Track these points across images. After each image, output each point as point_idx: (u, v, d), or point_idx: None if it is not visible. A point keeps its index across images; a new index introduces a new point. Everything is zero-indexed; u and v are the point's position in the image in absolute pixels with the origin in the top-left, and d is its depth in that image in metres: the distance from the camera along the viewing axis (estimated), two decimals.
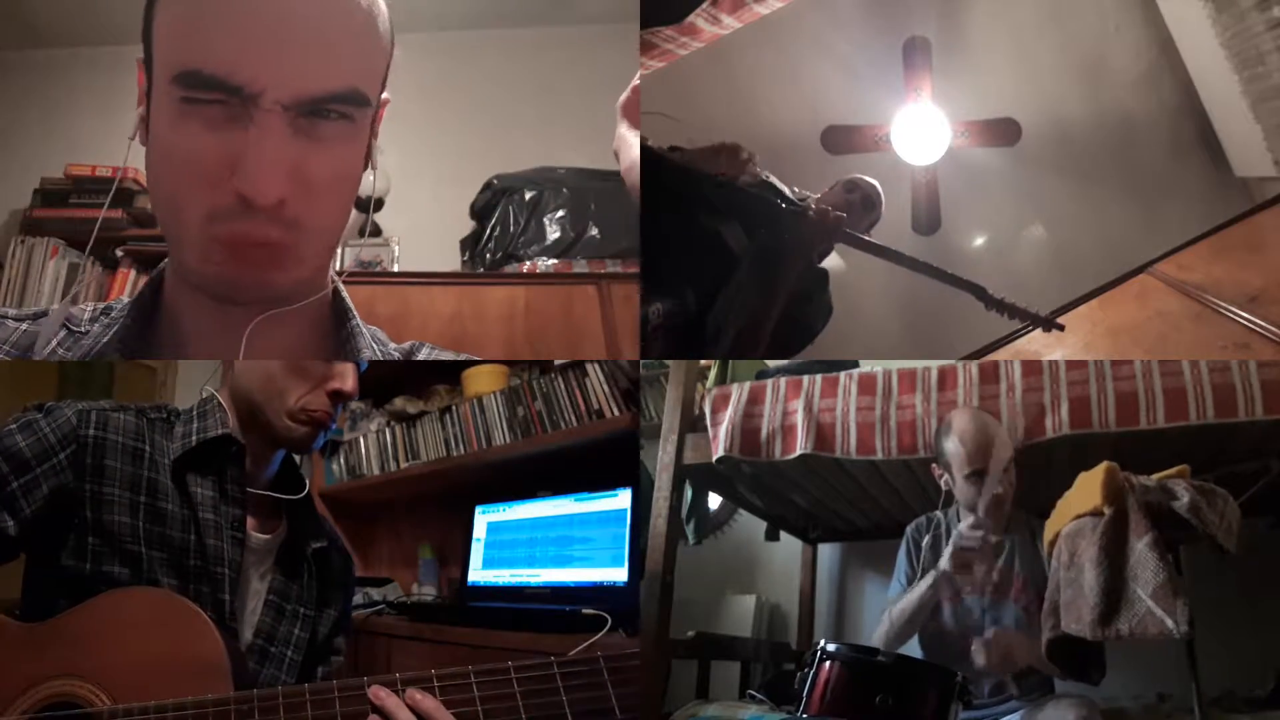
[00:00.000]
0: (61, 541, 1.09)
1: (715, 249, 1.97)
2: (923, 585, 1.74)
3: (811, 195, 2.18)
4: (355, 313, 1.11)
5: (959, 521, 1.84)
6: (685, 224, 1.96)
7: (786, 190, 2.13)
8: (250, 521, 1.20)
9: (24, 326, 1.05)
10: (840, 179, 2.25)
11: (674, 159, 2.04)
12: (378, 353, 1.17)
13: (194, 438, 1.16)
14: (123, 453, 1.13)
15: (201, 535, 1.14)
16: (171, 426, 1.19)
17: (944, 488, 1.80)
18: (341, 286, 1.10)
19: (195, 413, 1.20)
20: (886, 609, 1.83)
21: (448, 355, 1.27)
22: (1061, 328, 1.89)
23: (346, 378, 1.16)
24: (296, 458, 1.30)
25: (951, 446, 1.76)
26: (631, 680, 1.04)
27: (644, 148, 1.62)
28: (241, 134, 0.77)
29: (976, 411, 1.80)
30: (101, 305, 1.09)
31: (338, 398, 1.16)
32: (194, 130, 0.77)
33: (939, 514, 1.89)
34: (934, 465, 1.83)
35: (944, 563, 1.70)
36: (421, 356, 1.24)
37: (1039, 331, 1.98)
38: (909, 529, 1.92)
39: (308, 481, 1.31)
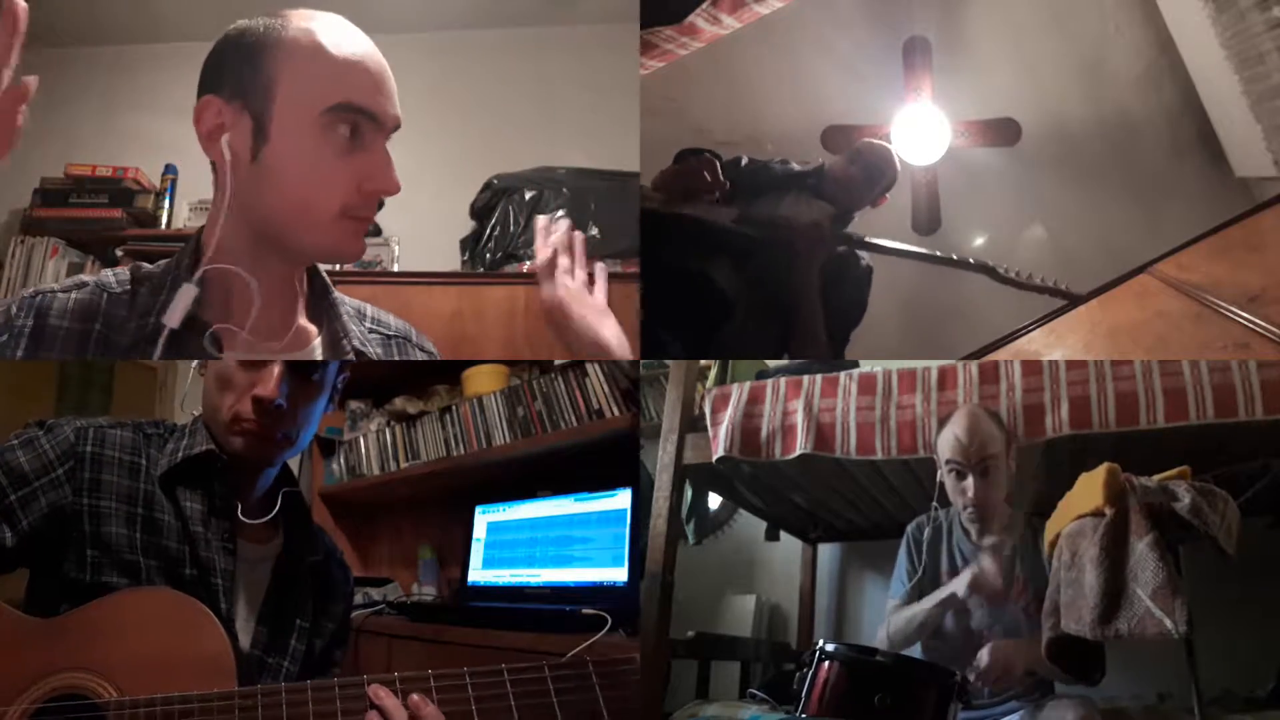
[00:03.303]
0: (62, 554, 1.12)
1: (703, 289, 1.98)
2: (930, 602, 1.74)
3: (824, 161, 2.18)
4: (332, 287, 1.22)
5: (961, 520, 1.85)
6: (674, 272, 1.97)
7: (795, 166, 2.13)
8: (244, 533, 1.22)
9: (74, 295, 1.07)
10: (850, 149, 2.27)
11: (650, 206, 2.05)
12: (354, 332, 1.19)
13: (179, 454, 1.19)
14: (119, 467, 1.17)
15: (194, 547, 1.16)
16: (165, 442, 1.22)
17: (939, 480, 1.81)
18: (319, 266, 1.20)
19: (188, 429, 1.23)
20: (888, 612, 1.83)
21: (425, 356, 1.30)
22: (1078, 297, 1.89)
23: (268, 382, 1.14)
24: (294, 468, 1.31)
25: (939, 442, 1.79)
26: (621, 683, 1.07)
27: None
28: (361, 154, 1.04)
29: (976, 409, 1.81)
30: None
31: (258, 404, 1.15)
32: (329, 153, 1.02)
33: (940, 511, 1.89)
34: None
35: (960, 590, 1.70)
36: (412, 352, 1.27)
37: (1039, 331, 1.99)
38: (909, 528, 1.93)
39: (302, 492, 1.32)
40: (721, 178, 2.14)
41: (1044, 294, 1.96)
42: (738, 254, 2.02)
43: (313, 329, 1.17)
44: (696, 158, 2.20)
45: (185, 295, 1.05)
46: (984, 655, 1.64)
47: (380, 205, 1.10)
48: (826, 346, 2.10)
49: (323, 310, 1.18)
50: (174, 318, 1.03)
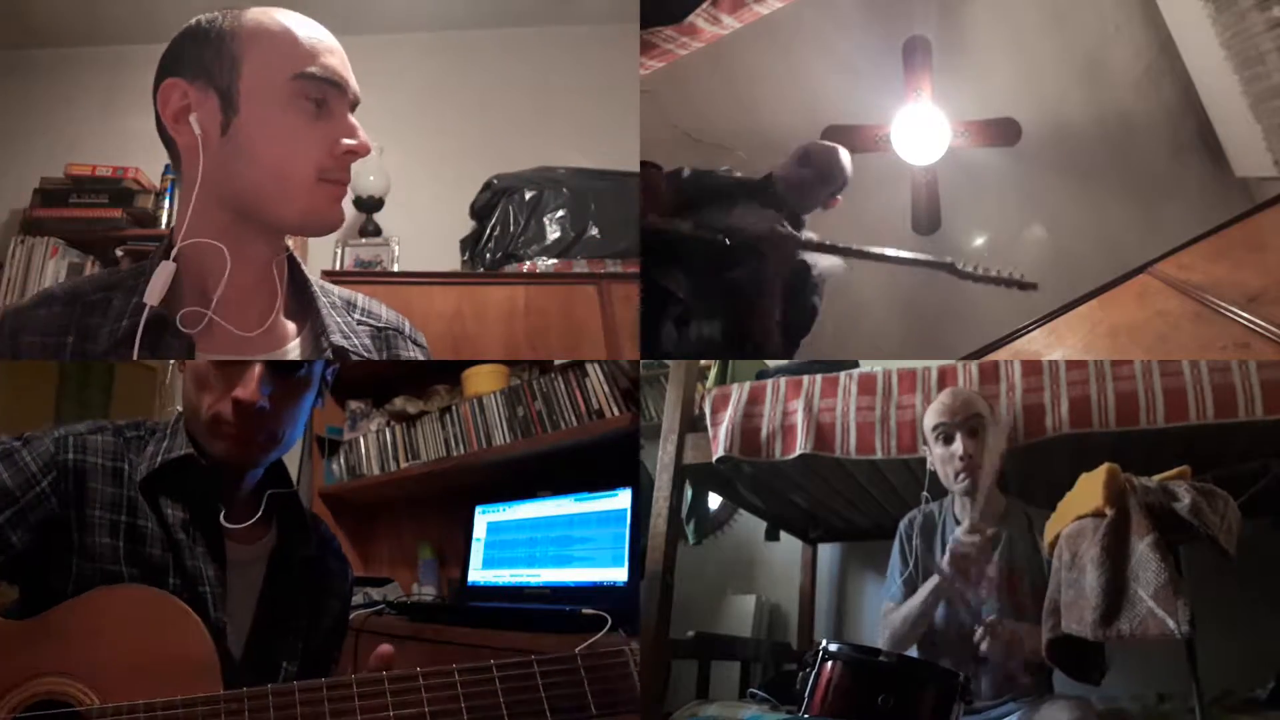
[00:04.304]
0: (49, 565, 1.09)
1: (664, 300, 2.00)
2: (923, 592, 1.74)
3: (772, 171, 2.19)
4: (312, 281, 1.20)
5: (954, 510, 1.85)
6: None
7: (740, 175, 2.14)
8: (232, 535, 1.17)
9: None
10: (798, 148, 2.27)
11: None
12: (335, 326, 1.16)
13: (158, 459, 1.15)
14: (103, 474, 1.13)
15: (179, 556, 1.13)
16: (145, 445, 1.18)
17: (929, 468, 1.81)
18: (296, 255, 1.19)
19: (168, 430, 1.19)
20: (884, 612, 1.83)
21: (420, 353, 1.28)
22: (1035, 287, 1.94)
23: (249, 383, 1.11)
24: (294, 467, 1.29)
25: (926, 418, 1.81)
26: (608, 677, 1.07)
27: None
28: (329, 120, 1.05)
29: (956, 389, 1.84)
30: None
31: (238, 406, 1.11)
32: (300, 119, 1.04)
33: (935, 504, 1.90)
34: (925, 451, 1.85)
35: (944, 567, 1.70)
36: (404, 345, 1.25)
37: (1039, 331, 1.99)
38: (901, 525, 1.93)
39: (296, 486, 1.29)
40: (663, 188, 2.15)
41: (1000, 285, 2.00)
42: (698, 261, 2.04)
43: (292, 327, 1.14)
44: (642, 172, 2.22)
45: (164, 272, 1.04)
46: (990, 630, 1.64)
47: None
48: (781, 347, 2.12)
49: (303, 304, 1.16)
50: (153, 296, 1.02)
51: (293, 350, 1.14)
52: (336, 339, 1.15)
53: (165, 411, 3.31)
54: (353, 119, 1.08)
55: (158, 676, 1.01)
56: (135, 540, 1.12)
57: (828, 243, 2.18)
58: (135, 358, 1.02)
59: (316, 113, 1.04)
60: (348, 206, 3.57)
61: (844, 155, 2.27)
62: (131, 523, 1.12)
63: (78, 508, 1.10)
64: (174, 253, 1.05)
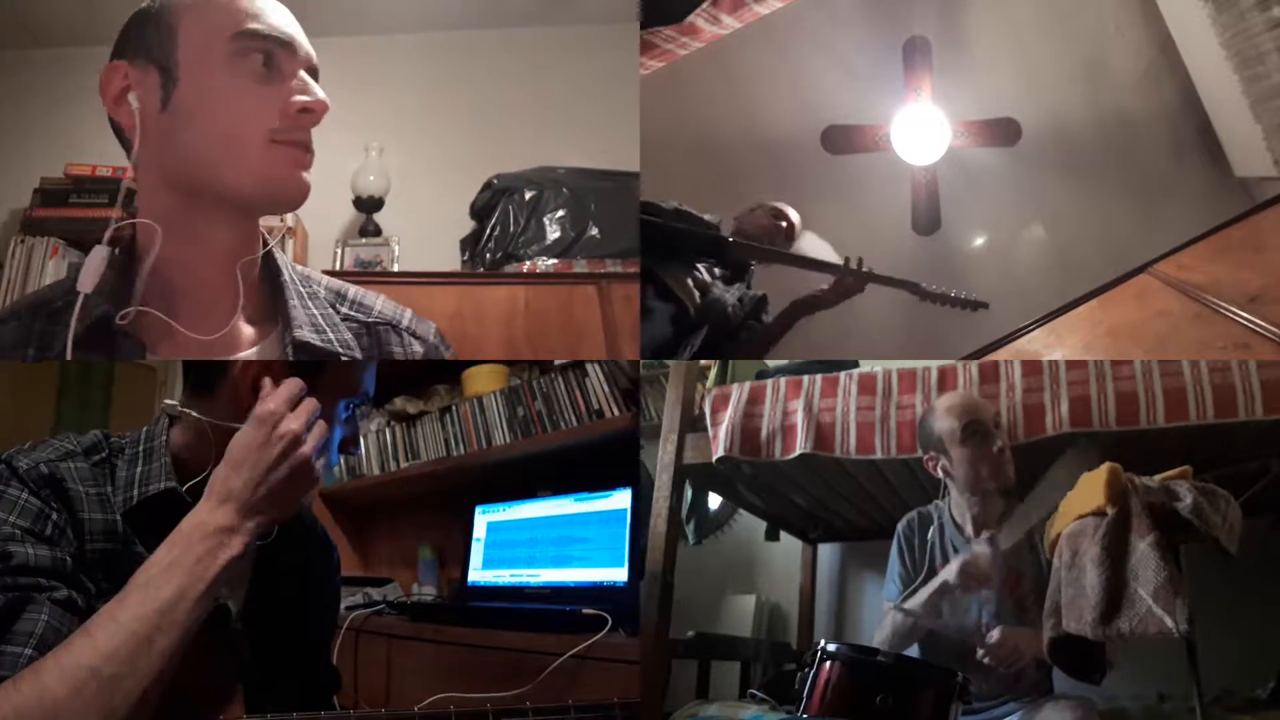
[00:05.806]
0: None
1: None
2: (924, 595, 1.73)
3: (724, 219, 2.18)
4: (286, 272, 1.14)
5: (952, 512, 1.85)
6: None
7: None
8: None
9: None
10: (762, 204, 2.24)
11: None
12: (302, 319, 1.09)
13: (134, 493, 1.01)
14: (89, 501, 1.01)
15: None
16: (114, 469, 1.04)
17: (939, 475, 1.81)
18: (275, 248, 1.14)
19: (139, 449, 1.05)
20: (886, 613, 1.83)
21: (420, 345, 1.20)
22: (986, 306, 2.01)
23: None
24: None
25: (942, 423, 1.78)
26: None
27: None
28: (280, 81, 1.01)
29: (958, 391, 1.84)
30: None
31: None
32: (244, 79, 0.99)
33: (933, 506, 1.89)
34: (926, 458, 1.83)
35: (951, 577, 1.69)
36: (397, 341, 1.17)
37: (1039, 331, 1.99)
38: (900, 526, 1.93)
39: None
40: None
41: (956, 306, 2.04)
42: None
43: (252, 331, 1.07)
44: None
45: (97, 256, 0.99)
46: (995, 634, 1.64)
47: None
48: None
49: (276, 299, 1.09)
50: (87, 282, 0.98)
51: (254, 353, 1.07)
52: (303, 334, 1.06)
53: None
54: (306, 77, 1.02)
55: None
56: (130, 570, 0.98)
57: (797, 255, 2.16)
58: (70, 357, 0.97)
59: (265, 73, 1.00)
60: (348, 206, 3.54)
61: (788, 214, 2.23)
62: (124, 551, 1.00)
63: (79, 540, 0.98)
64: (108, 235, 1.01)
